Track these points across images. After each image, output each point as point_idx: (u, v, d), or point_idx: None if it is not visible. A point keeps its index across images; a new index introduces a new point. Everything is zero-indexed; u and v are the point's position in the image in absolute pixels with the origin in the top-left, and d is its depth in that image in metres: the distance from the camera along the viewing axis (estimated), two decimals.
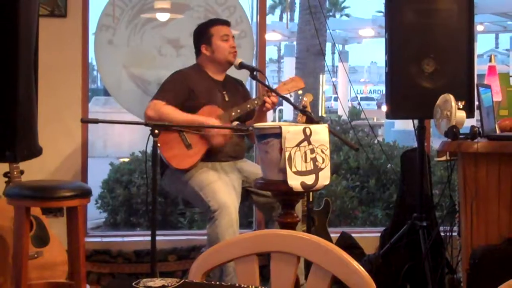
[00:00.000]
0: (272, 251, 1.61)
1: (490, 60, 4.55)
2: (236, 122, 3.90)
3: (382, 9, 4.30)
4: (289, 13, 38.29)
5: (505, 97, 4.37)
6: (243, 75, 4.28)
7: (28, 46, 1.82)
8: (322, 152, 2.91)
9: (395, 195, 5.34)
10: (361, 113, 14.57)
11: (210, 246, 3.59)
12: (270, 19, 38.85)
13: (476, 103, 3.88)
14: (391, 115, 4.16)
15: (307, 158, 2.88)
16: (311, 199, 3.95)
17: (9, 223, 3.65)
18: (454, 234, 4.12)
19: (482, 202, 3.62)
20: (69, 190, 3.53)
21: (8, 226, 3.68)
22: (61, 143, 4.51)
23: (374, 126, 15.14)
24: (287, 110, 16.51)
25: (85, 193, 3.60)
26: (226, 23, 4.14)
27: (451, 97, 3.59)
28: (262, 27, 4.91)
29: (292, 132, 2.87)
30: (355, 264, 1.51)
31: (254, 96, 4.43)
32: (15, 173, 3.77)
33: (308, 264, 1.56)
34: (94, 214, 6.24)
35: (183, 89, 3.92)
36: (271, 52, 42.50)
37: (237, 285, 1.50)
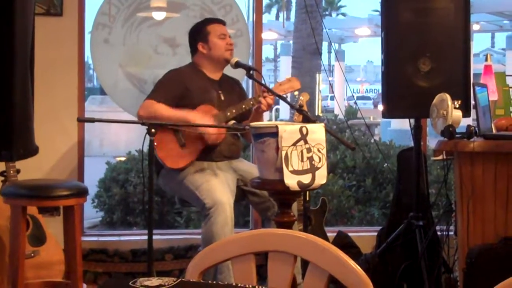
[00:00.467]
0: (269, 250, 1.61)
1: (486, 59, 4.55)
2: (233, 122, 3.89)
3: (378, 8, 4.30)
4: (285, 12, 38.28)
5: (501, 97, 4.37)
6: (239, 74, 4.27)
7: (24, 45, 1.82)
8: (319, 151, 2.91)
9: (391, 194, 5.34)
10: (358, 112, 14.59)
11: (205, 244, 3.60)
12: (266, 18, 38.87)
13: (472, 102, 3.88)
14: (387, 114, 4.16)
15: (304, 157, 2.88)
16: (307, 198, 3.95)
17: (5, 222, 3.65)
18: (451, 233, 4.13)
19: (478, 201, 3.62)
20: (66, 189, 3.53)
21: (4, 225, 3.67)
22: (57, 142, 4.51)
23: (370, 125, 15.17)
24: (284, 109, 16.51)
25: (82, 192, 3.60)
26: (222, 22, 4.14)
27: (448, 96, 3.59)
28: (258, 26, 4.90)
29: (288, 131, 2.87)
30: (352, 263, 1.51)
31: (250, 96, 4.43)
32: (12, 172, 3.77)
33: (305, 263, 1.56)
34: (91, 213, 6.23)
35: (177, 88, 3.91)
36: (267, 51, 42.49)
37: (234, 284, 1.50)
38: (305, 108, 3.85)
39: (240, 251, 1.62)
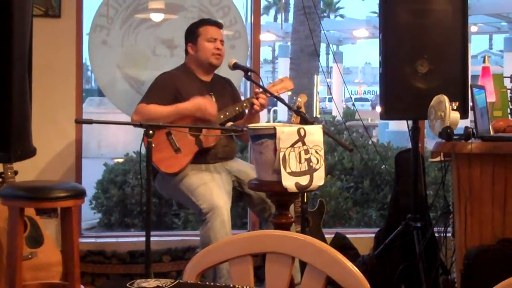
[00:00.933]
0: (266, 251, 1.61)
1: (484, 61, 4.56)
2: (231, 123, 3.89)
3: (377, 9, 4.30)
4: (283, 14, 38.34)
5: (499, 98, 4.37)
6: (237, 76, 4.27)
7: (22, 47, 1.82)
8: (317, 152, 2.91)
9: (389, 195, 5.34)
10: (355, 114, 14.59)
11: (203, 248, 3.59)
12: (264, 19, 38.89)
13: (470, 104, 3.89)
14: (385, 115, 4.17)
15: (302, 159, 2.88)
16: (305, 200, 3.94)
17: (3, 224, 3.64)
18: (448, 235, 4.13)
19: (476, 202, 3.63)
20: (63, 191, 3.53)
21: (2, 226, 3.67)
22: (55, 144, 4.50)
23: (368, 127, 15.18)
24: (282, 111, 16.52)
25: (79, 194, 3.60)
26: (217, 24, 4.11)
27: (445, 98, 3.60)
28: (256, 27, 4.91)
29: (286, 132, 2.87)
30: (350, 264, 1.51)
31: (243, 95, 4.43)
32: (9, 173, 3.77)
33: (303, 264, 1.56)
34: (88, 214, 6.23)
35: (169, 91, 3.91)
36: (265, 53, 42.54)
37: (231, 286, 1.50)
38: (303, 109, 3.85)
39: (237, 252, 1.62)
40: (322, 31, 11.33)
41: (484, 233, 3.62)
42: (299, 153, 2.88)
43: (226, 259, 1.66)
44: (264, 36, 23.36)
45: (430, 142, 4.54)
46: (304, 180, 2.88)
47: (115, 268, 4.56)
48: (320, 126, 3.00)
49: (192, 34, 4.06)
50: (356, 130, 8.17)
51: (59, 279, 3.84)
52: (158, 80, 3.98)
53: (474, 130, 3.67)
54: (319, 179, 2.92)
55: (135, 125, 3.48)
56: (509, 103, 4.35)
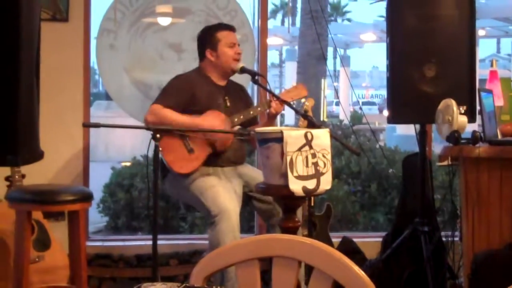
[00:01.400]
0: (273, 255, 1.61)
1: (492, 65, 4.55)
2: (238, 127, 3.90)
3: (384, 14, 4.30)
4: (290, 18, 38.33)
5: (506, 102, 4.37)
6: (244, 80, 4.28)
7: (29, 51, 1.83)
8: (324, 156, 2.91)
9: (396, 199, 5.33)
10: (363, 118, 14.57)
11: (211, 251, 3.59)
12: (271, 23, 38.90)
13: (478, 108, 3.88)
14: (392, 119, 4.16)
15: (309, 163, 2.88)
16: (312, 204, 3.94)
17: (10, 227, 3.65)
18: (456, 239, 4.12)
19: (483, 207, 3.62)
20: (71, 194, 3.53)
21: (9, 230, 3.68)
22: (62, 147, 4.51)
23: (375, 130, 15.15)
24: (289, 114, 16.52)
25: (87, 197, 3.60)
26: (233, 29, 4.11)
27: (453, 102, 3.59)
28: (263, 31, 4.91)
29: (293, 136, 2.87)
30: (356, 269, 1.51)
31: (255, 101, 4.43)
32: (17, 177, 3.78)
33: (309, 269, 1.56)
34: (96, 218, 6.24)
35: (184, 94, 3.91)
36: (272, 57, 42.52)
37: None
38: (310, 113, 3.85)
39: (244, 256, 1.62)
40: (329, 35, 11.30)
41: (491, 237, 3.61)
42: (306, 157, 2.87)
43: (233, 263, 1.66)
44: (271, 40, 23.36)
45: (437, 146, 4.53)
46: (311, 184, 2.88)
47: (122, 272, 4.56)
48: (327, 130, 3.00)
49: (210, 40, 4.03)
50: (364, 134, 8.17)
51: (66, 282, 3.84)
52: (174, 82, 3.98)
53: (482, 134, 3.66)
54: (326, 183, 2.92)
55: (143, 129, 3.49)
56: None
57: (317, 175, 2.89)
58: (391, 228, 4.62)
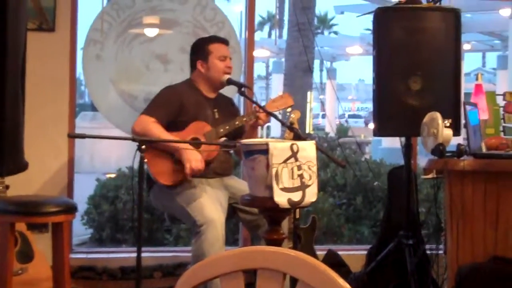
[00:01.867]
0: (258, 267, 1.61)
1: (477, 79, 4.58)
2: (224, 138, 3.90)
3: (370, 27, 4.32)
4: (277, 30, 38.42)
5: (491, 116, 4.39)
6: (231, 91, 4.28)
7: (15, 60, 1.82)
8: (309, 168, 2.92)
9: (381, 212, 5.34)
10: (349, 131, 14.61)
11: (195, 261, 3.59)
12: (258, 35, 38.98)
13: (463, 121, 3.90)
14: (378, 132, 4.18)
15: (294, 175, 2.88)
16: (297, 216, 3.94)
17: None
18: (440, 252, 4.13)
19: (468, 220, 3.63)
20: (55, 206, 3.52)
21: None
22: (47, 158, 4.49)
23: (361, 143, 15.20)
24: (275, 126, 16.54)
25: (71, 209, 3.59)
26: (225, 42, 4.13)
27: (438, 115, 3.61)
28: (250, 43, 4.92)
29: (279, 148, 2.88)
30: (341, 281, 1.51)
31: (243, 113, 4.43)
32: (0, 187, 3.75)
33: (293, 282, 1.56)
34: (80, 230, 6.21)
35: (173, 105, 3.91)
36: (259, 69, 42.60)
37: None
38: (296, 125, 3.86)
39: (229, 268, 1.61)
40: (316, 48, 11.38)
41: (476, 250, 3.62)
42: (292, 169, 2.88)
43: (217, 275, 1.65)
44: (258, 52, 23.41)
45: (422, 159, 4.55)
46: (296, 196, 2.89)
47: (106, 284, 4.54)
48: (313, 142, 3.00)
49: (201, 52, 4.05)
50: (349, 147, 8.20)
51: None
52: (164, 93, 3.98)
53: (467, 147, 3.68)
54: (311, 195, 2.92)
55: (128, 140, 3.48)
56: (502, 120, 4.37)
57: (303, 187, 2.90)
58: (376, 241, 4.62)
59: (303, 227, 4.31)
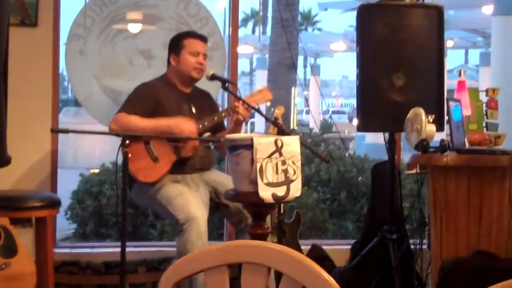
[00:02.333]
0: (242, 261, 1.61)
1: (460, 75, 4.59)
2: (207, 134, 3.89)
3: (354, 23, 4.33)
4: (261, 26, 38.38)
5: (474, 112, 4.41)
6: (215, 87, 4.27)
7: None
8: (294, 163, 2.92)
9: (365, 207, 5.36)
10: (333, 126, 14.63)
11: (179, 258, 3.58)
12: (242, 31, 38.97)
13: (446, 117, 3.92)
14: (362, 128, 4.19)
15: (279, 170, 2.88)
16: (282, 211, 3.95)
17: None
18: (424, 247, 4.15)
19: (451, 215, 3.65)
20: (38, 201, 3.50)
21: None
22: (30, 153, 4.47)
23: (345, 139, 15.22)
24: (259, 122, 16.53)
25: (54, 204, 3.57)
26: (203, 39, 4.09)
27: (421, 111, 3.62)
28: (234, 39, 4.91)
29: (263, 143, 2.87)
30: (326, 275, 1.51)
31: (222, 108, 4.43)
32: None
33: (278, 276, 1.56)
34: (63, 225, 6.18)
35: (149, 101, 3.89)
36: (243, 65, 42.59)
37: None
38: (280, 121, 3.85)
39: (214, 262, 1.61)
40: (300, 44, 11.40)
41: (459, 245, 3.64)
42: (276, 164, 2.88)
43: (202, 269, 1.65)
44: (242, 48, 23.38)
45: (406, 155, 4.57)
46: (281, 191, 2.88)
47: (90, 279, 4.52)
48: (297, 137, 3.00)
49: (176, 45, 4.04)
50: (333, 143, 8.21)
51: None
52: (138, 90, 3.97)
53: (450, 143, 3.70)
54: (296, 190, 2.92)
55: (111, 135, 3.46)
56: (485, 116, 4.39)
57: (287, 182, 2.90)
58: (360, 235, 4.64)
59: (287, 222, 4.32)
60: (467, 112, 4.32)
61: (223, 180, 3.94)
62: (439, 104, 3.99)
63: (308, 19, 44.33)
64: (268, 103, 3.99)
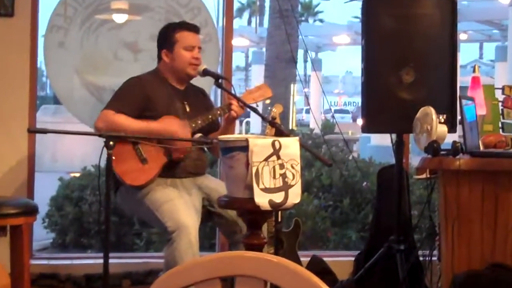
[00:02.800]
0: (236, 274, 1.61)
1: (474, 71, 4.60)
2: (199, 134, 3.88)
3: (359, 14, 4.34)
4: (258, 17, 38.52)
5: (489, 111, 4.41)
6: (207, 83, 4.27)
7: None
8: (293, 167, 2.92)
9: (370, 215, 5.36)
10: (335, 127, 14.65)
11: (168, 270, 3.57)
12: (237, 23, 38.97)
13: (459, 117, 3.92)
14: (367, 129, 4.19)
15: (276, 174, 2.88)
16: (279, 219, 3.95)
17: None
18: (434, 258, 4.15)
19: (464, 223, 3.65)
20: (13, 207, 3.50)
21: None
22: (5, 156, 4.47)
23: (348, 140, 15.23)
24: (255, 122, 16.55)
25: (31, 211, 3.57)
26: (196, 30, 4.05)
27: (432, 110, 3.63)
28: (228, 31, 4.91)
29: (260, 145, 2.87)
30: None
31: (216, 105, 4.43)
32: None
33: None
34: (41, 234, 6.18)
35: (139, 98, 3.87)
36: (238, 59, 42.63)
37: None
38: (278, 120, 3.85)
39: (205, 275, 1.61)
40: (300, 37, 11.39)
41: (472, 256, 3.64)
42: (274, 167, 2.88)
43: (192, 283, 1.65)
44: (236, 41, 23.40)
45: (415, 158, 4.57)
46: (278, 197, 2.88)
47: None
48: (297, 138, 3.01)
49: (167, 40, 4.00)
50: (336, 144, 8.21)
51: None
52: (127, 85, 3.94)
53: (463, 145, 3.70)
54: (294, 196, 2.93)
55: (94, 135, 3.46)
56: (501, 116, 4.39)
57: (285, 187, 2.90)
58: (364, 246, 4.64)
59: (285, 231, 4.32)
60: (481, 111, 4.33)
61: (218, 186, 3.92)
62: (451, 102, 4.00)
63: (309, 9, 44.41)
64: (268, 101, 3.99)
